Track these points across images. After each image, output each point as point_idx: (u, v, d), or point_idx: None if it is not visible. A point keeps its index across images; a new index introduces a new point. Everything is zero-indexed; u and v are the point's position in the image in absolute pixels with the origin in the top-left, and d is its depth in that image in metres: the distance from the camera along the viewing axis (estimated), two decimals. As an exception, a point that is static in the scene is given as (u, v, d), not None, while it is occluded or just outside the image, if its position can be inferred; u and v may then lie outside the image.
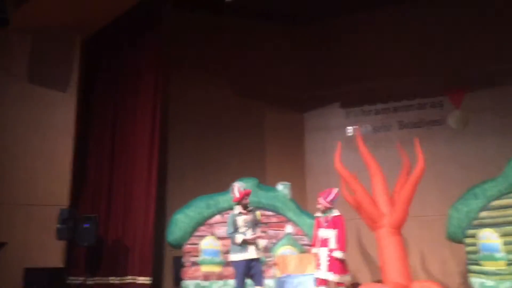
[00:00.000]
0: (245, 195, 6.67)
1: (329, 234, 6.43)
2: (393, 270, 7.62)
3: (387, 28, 10.79)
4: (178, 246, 8.35)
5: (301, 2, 10.82)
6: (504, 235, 7.09)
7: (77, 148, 8.99)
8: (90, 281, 8.36)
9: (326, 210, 6.58)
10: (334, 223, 6.47)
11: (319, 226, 6.63)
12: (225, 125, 10.74)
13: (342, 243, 6.38)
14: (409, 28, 10.58)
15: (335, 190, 6.72)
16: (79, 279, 8.33)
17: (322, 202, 6.57)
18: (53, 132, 8.74)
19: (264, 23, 11.37)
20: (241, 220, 6.55)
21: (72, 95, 8.95)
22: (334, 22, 11.27)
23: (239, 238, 6.44)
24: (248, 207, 6.76)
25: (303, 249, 8.29)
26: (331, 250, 6.35)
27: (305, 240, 8.28)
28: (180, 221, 8.27)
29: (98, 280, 8.51)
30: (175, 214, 8.43)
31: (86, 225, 8.12)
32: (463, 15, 10.13)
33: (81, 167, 9.12)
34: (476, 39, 9.90)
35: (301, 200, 9.85)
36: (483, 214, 7.38)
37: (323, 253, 6.39)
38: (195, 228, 8.28)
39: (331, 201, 6.59)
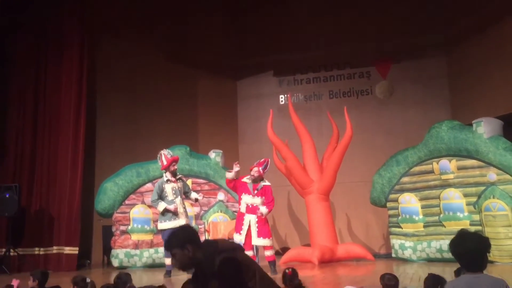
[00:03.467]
0: (173, 161, 6.62)
1: (258, 201, 6.54)
2: (320, 234, 7.94)
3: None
4: (107, 215, 8.18)
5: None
6: (422, 199, 7.53)
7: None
8: (13, 253, 8.01)
9: (257, 179, 6.63)
10: (263, 192, 6.57)
11: (244, 190, 6.62)
12: (157, 93, 10.47)
13: (270, 205, 6.52)
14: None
15: (269, 161, 6.82)
16: (1, 250, 7.96)
17: (260, 171, 6.59)
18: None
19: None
20: (169, 188, 6.52)
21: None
22: (268, -11, 11.20)
23: (160, 206, 6.42)
24: (177, 175, 6.73)
25: (235, 216, 8.39)
26: (259, 217, 6.46)
27: (237, 207, 8.35)
28: (109, 190, 8.07)
29: (21, 251, 8.18)
30: (103, 183, 8.21)
31: (6, 195, 7.73)
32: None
33: (0, 135, 8.60)
34: (401, 12, 10.21)
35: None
36: (404, 179, 7.77)
37: (252, 220, 6.49)
38: (124, 196, 8.12)
39: (265, 171, 6.68)
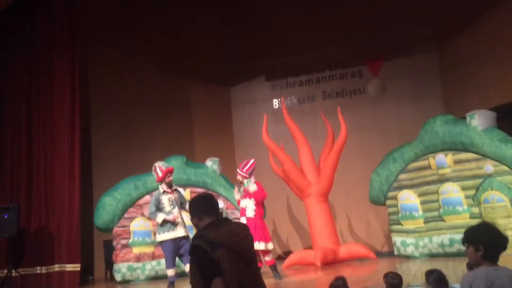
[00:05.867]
0: (167, 173, 6.65)
1: (247, 203, 6.56)
2: (321, 236, 7.94)
3: (307, 0, 10.89)
4: (107, 229, 8.16)
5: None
6: (421, 194, 7.54)
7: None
8: (14, 273, 7.97)
9: (245, 181, 6.68)
10: (250, 192, 6.60)
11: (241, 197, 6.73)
12: (151, 103, 10.48)
13: (258, 196, 6.53)
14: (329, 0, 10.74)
15: (251, 161, 6.83)
16: (3, 272, 7.92)
17: (239, 173, 6.70)
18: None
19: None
20: (166, 199, 6.55)
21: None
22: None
23: (159, 217, 6.44)
24: (172, 186, 6.76)
25: (235, 223, 8.38)
26: (248, 219, 6.47)
27: (236, 214, 8.35)
28: (107, 204, 8.05)
29: (23, 271, 8.13)
30: (102, 197, 8.20)
31: (5, 216, 7.70)
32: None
33: (-5, 154, 8.58)
34: (390, 10, 10.24)
35: (231, 174, 9.88)
36: (402, 176, 7.78)
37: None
38: (123, 210, 8.11)
39: (247, 171, 6.69)
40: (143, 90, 10.37)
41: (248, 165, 6.78)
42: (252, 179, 6.70)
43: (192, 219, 2.81)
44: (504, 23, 8.40)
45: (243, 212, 6.64)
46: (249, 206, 6.56)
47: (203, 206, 2.82)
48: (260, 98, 11.22)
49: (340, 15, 10.58)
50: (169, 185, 6.69)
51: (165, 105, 10.54)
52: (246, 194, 6.63)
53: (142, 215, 8.13)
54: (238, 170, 6.81)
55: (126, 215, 8.12)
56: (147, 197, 8.16)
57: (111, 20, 10.13)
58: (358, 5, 10.50)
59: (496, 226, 3.00)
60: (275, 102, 11.06)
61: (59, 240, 8.36)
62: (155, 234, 7.93)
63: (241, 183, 6.72)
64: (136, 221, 8.11)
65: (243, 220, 6.53)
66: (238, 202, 6.83)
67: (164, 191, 6.64)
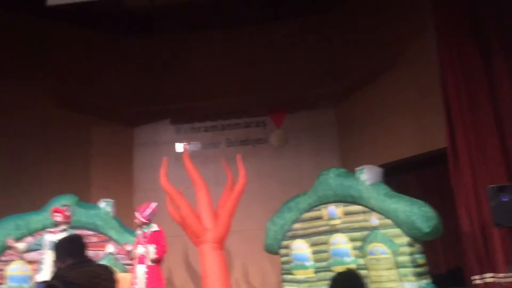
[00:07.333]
0: (54, 212, 6.45)
1: (147, 250, 6.33)
2: (214, 284, 7.77)
3: (218, 49, 11.16)
4: (-21, 273, 7.40)
5: (134, 15, 10.68)
6: (313, 245, 7.69)
7: None
8: None
9: (144, 226, 6.47)
10: (151, 239, 6.39)
11: (138, 243, 6.50)
12: (46, 138, 9.93)
13: (159, 253, 6.31)
14: (238, 52, 11.10)
15: (153, 205, 6.65)
16: None
17: (138, 217, 6.48)
18: None
19: (94, 32, 10.88)
20: (47, 238, 6.29)
21: None
22: (167, 38, 11.32)
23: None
24: (60, 226, 6.48)
25: (125, 269, 7.97)
26: (148, 267, 6.24)
27: (127, 260, 7.97)
28: (-19, 245, 7.34)
29: None
30: (-25, 238, 7.46)
31: None
32: (285, 43, 10.97)
33: None
34: (293, 66, 10.81)
35: (128, 217, 9.50)
36: (296, 226, 7.91)
37: (140, 270, 6.25)
38: (0, 252, 7.42)
39: (148, 216, 6.50)
40: (37, 123, 9.83)
41: (150, 210, 6.57)
42: (154, 226, 6.51)
43: (55, 263, 2.70)
44: (391, 89, 9.16)
45: (142, 259, 6.32)
46: (149, 253, 6.30)
47: (68, 248, 2.71)
48: (163, 141, 11.07)
49: (246, 68, 10.94)
50: (56, 225, 6.45)
51: (61, 141, 10.03)
52: (148, 240, 6.36)
53: (22, 258, 7.48)
54: (136, 214, 6.55)
55: (2, 258, 7.43)
56: (28, 239, 7.53)
57: (11, 49, 9.65)
58: (262, 60, 10.95)
59: (362, 276, 3.12)
60: (179, 146, 10.97)
61: None
62: (33, 280, 7.37)
63: (140, 227, 6.47)
64: (13, 265, 7.43)
65: (141, 268, 6.22)
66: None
67: (49, 231, 6.42)
